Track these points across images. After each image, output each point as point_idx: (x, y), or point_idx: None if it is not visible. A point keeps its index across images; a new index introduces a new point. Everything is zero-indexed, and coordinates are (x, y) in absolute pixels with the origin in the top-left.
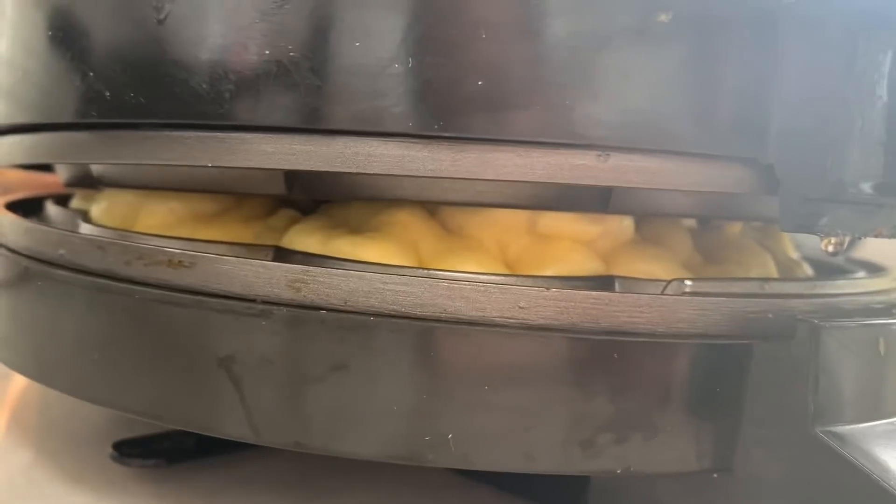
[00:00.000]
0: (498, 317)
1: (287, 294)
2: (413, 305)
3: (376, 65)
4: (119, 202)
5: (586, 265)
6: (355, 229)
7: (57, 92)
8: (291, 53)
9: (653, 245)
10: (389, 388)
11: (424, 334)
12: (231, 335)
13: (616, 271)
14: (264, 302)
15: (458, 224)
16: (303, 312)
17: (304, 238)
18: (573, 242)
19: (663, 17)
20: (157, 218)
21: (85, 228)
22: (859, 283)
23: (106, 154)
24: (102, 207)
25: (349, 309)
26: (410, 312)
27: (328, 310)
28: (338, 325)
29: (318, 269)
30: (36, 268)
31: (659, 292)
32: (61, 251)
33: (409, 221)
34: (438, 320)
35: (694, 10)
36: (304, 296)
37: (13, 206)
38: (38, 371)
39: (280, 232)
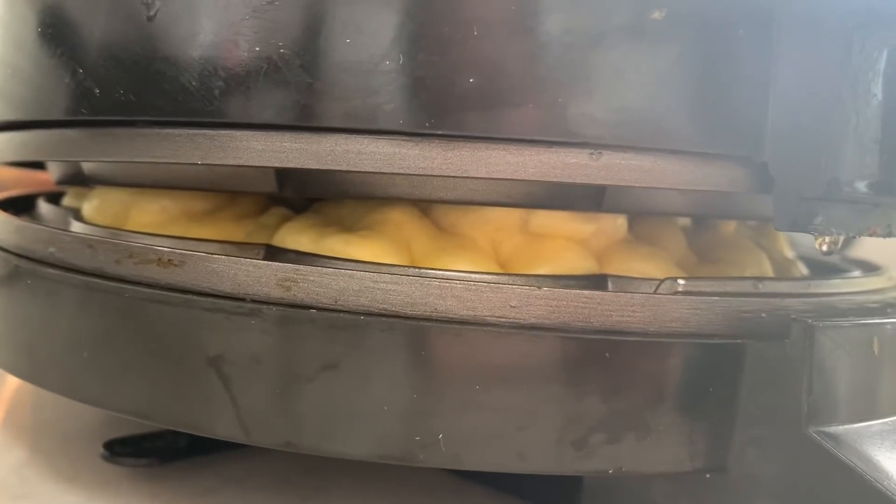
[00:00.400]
0: (489, 316)
1: (277, 293)
2: (404, 304)
3: (367, 62)
4: (111, 200)
5: (579, 264)
6: (347, 228)
7: (47, 89)
8: (282, 50)
9: (646, 244)
10: (380, 387)
11: (415, 333)
12: (221, 334)
13: (609, 270)
14: (254, 301)
15: (451, 222)
16: (293, 311)
17: (295, 236)
18: (566, 241)
19: (657, 15)
20: (148, 216)
21: (75, 227)
22: (854, 283)
23: (96, 152)
24: (94, 205)
25: (340, 308)
26: (401, 312)
27: (319, 309)
28: (328, 324)
29: (309, 268)
30: (26, 266)
31: (652, 291)
32: (51, 249)
33: (401, 220)
34: (429, 319)
35: (688, 7)
36: (295, 295)
37: (4, 204)
38: (28, 370)
39: (272, 230)
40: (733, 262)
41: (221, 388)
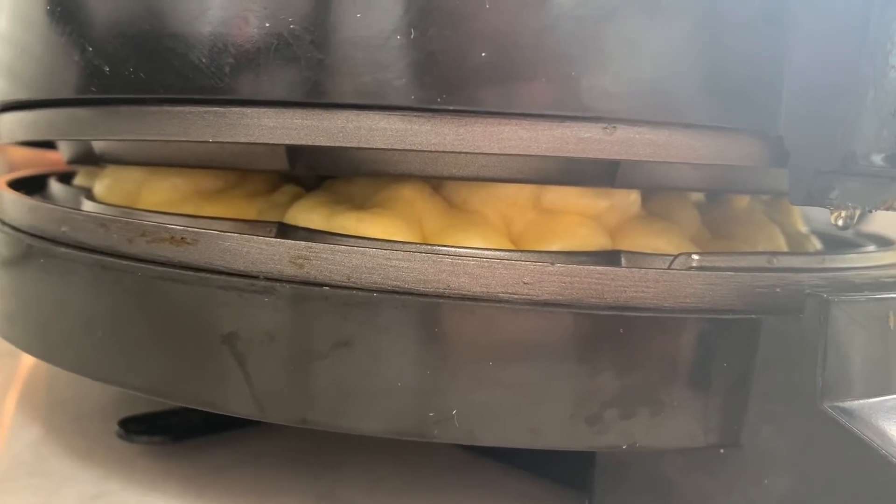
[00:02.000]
0: (502, 292)
1: (290, 270)
2: (417, 281)
3: (378, 37)
4: (122, 179)
5: (592, 240)
6: (359, 205)
7: (57, 68)
8: (292, 26)
9: (660, 219)
10: (393, 364)
11: (428, 310)
12: (234, 312)
13: (623, 246)
14: (267, 278)
15: (463, 199)
16: (306, 289)
17: (307, 214)
18: (579, 217)
19: None
20: (160, 195)
21: (87, 206)
22: (869, 257)
23: (106, 130)
24: (105, 184)
25: (352, 285)
26: (414, 288)
27: (331, 286)
28: (341, 301)
29: (321, 246)
30: (39, 246)
31: (666, 267)
32: (64, 229)
33: (412, 197)
34: (442, 296)
35: None
36: (307, 272)
37: (16, 184)
38: (43, 349)
39: (283, 208)
40: (747, 238)
41: (235, 366)
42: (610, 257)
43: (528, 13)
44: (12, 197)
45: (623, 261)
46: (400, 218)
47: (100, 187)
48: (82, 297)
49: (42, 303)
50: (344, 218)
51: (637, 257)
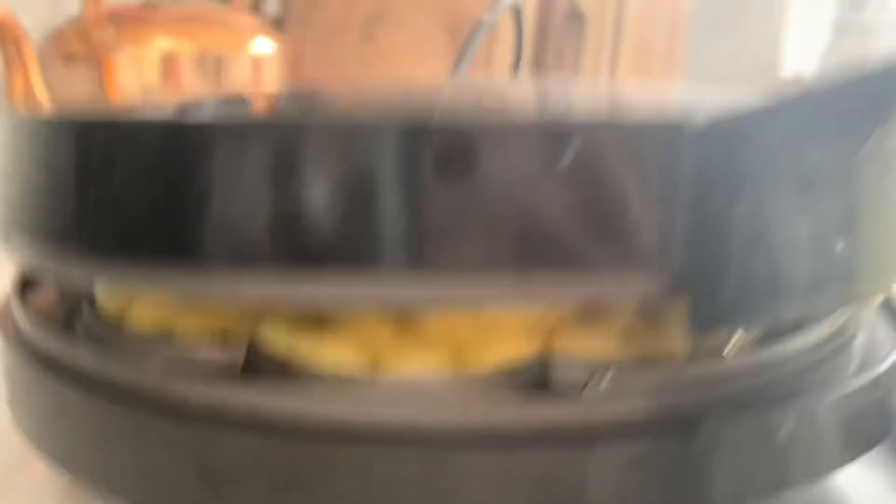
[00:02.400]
0: (437, 425)
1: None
2: (358, 422)
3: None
4: (111, 295)
5: (527, 348)
6: (319, 320)
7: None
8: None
9: (593, 316)
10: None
11: (370, 449)
12: (204, 450)
13: (559, 347)
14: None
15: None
16: (266, 426)
17: (274, 333)
18: (516, 323)
19: None
20: (148, 312)
21: (84, 321)
22: (792, 345)
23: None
24: (101, 294)
25: (303, 426)
26: (356, 430)
27: (287, 426)
28: (297, 438)
29: (275, 385)
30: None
31: (581, 389)
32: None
33: (366, 318)
34: (381, 440)
35: None
36: (270, 411)
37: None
38: (60, 457)
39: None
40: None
41: (210, 499)
42: (540, 373)
43: None
44: (22, 315)
45: (553, 375)
46: (353, 342)
47: (98, 295)
48: (79, 414)
49: (57, 416)
50: (304, 342)
51: (565, 369)
